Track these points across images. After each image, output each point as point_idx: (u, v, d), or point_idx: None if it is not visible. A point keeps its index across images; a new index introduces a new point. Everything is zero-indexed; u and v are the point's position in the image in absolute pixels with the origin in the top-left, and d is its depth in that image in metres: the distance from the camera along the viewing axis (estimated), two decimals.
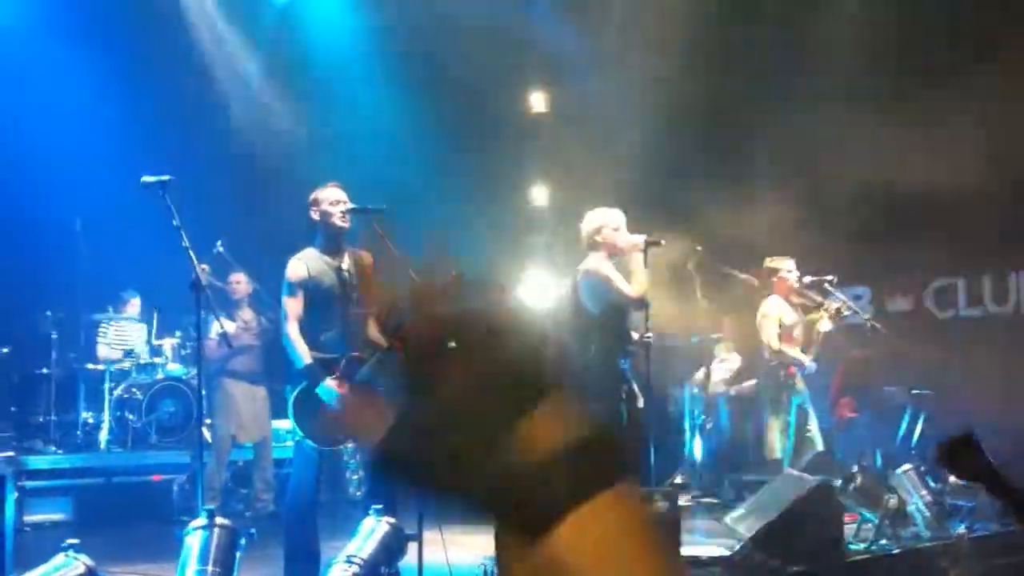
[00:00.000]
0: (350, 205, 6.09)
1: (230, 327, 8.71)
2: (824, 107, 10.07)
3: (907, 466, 7.55)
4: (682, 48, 10.42)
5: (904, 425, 8.90)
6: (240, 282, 9.15)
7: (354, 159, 9.96)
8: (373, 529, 5.35)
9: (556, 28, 11.64)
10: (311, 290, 6.00)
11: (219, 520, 4.92)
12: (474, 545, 5.68)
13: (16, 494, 7.67)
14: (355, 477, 9.25)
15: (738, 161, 10.80)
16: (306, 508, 6.13)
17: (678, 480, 9.35)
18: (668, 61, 10.40)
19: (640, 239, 6.86)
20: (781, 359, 8.35)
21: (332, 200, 6.03)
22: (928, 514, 7.27)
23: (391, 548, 5.30)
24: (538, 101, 11.99)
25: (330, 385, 5.92)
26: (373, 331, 6.38)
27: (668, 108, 10.35)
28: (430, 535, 5.52)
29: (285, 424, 8.71)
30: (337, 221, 6.02)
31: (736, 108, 10.96)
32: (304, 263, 6.04)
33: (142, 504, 8.97)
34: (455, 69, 11.22)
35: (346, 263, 6.11)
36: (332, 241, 6.08)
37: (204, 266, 8.08)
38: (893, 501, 7.13)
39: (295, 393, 6.03)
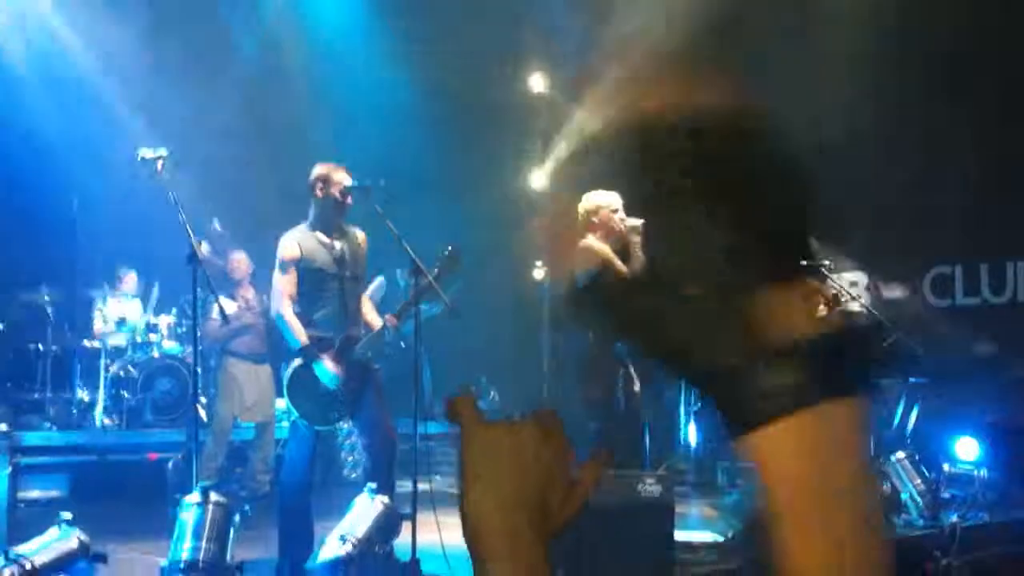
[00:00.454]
0: (350, 183, 6.08)
1: (231, 306, 8.70)
2: (823, 90, 10.04)
3: (901, 454, 7.56)
4: (683, 26, 10.37)
5: (899, 414, 8.90)
6: (241, 261, 9.11)
7: (353, 138, 9.94)
8: (367, 508, 5.35)
9: (557, 8, 11.58)
10: (304, 268, 5.98)
11: (214, 497, 4.93)
12: None
13: (10, 469, 7.69)
14: (350, 458, 9.27)
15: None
16: (301, 487, 6.14)
17: (672, 465, 9.35)
18: (669, 39, 10.35)
19: (639, 222, 6.84)
20: None
21: (341, 182, 6.01)
22: (921, 503, 7.28)
23: (385, 527, 5.31)
24: (538, 82, 11.95)
25: (327, 365, 5.91)
26: (368, 309, 6.38)
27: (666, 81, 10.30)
28: (424, 515, 5.53)
29: (282, 404, 8.74)
30: (344, 199, 6.02)
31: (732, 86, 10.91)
32: (296, 240, 6.02)
33: (137, 482, 8.97)
34: (456, 50, 11.18)
35: (340, 242, 6.09)
36: (331, 220, 6.07)
37: (204, 244, 8.07)
38: (886, 489, 7.15)
39: (291, 371, 6.03)
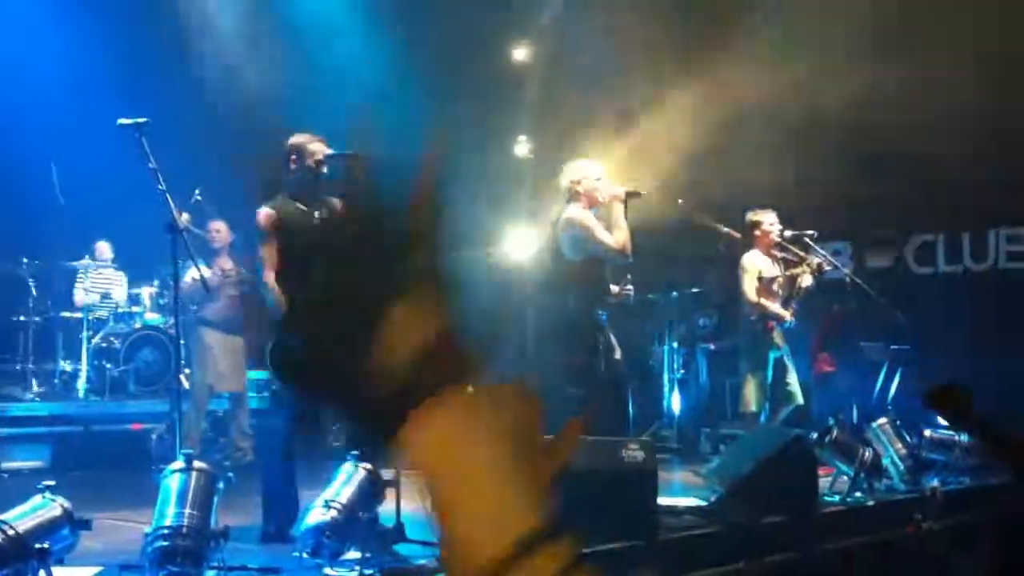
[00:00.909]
0: (328, 151, 6.04)
1: (207, 275, 8.67)
2: (805, 60, 10.03)
3: (882, 420, 7.62)
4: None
5: (881, 380, 8.97)
6: (220, 230, 9.07)
7: (335, 107, 9.87)
8: (351, 475, 5.35)
9: None
10: (285, 236, 5.94)
11: (197, 464, 4.91)
12: None
13: None
14: (335, 426, 9.27)
15: (720, 114, 10.75)
16: (283, 456, 6.14)
17: (656, 433, 9.40)
18: (649, 11, 10.33)
19: (621, 190, 6.84)
20: (760, 312, 8.37)
21: (317, 152, 5.96)
22: (902, 467, 7.35)
23: (369, 493, 5.31)
24: (521, 53, 11.90)
25: None
26: None
27: (651, 60, 10.30)
28: (408, 481, 5.53)
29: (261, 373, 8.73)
30: (320, 169, 5.97)
31: (719, 60, 10.90)
32: (276, 210, 5.99)
33: (120, 452, 8.95)
34: (439, 17, 11.12)
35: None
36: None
37: (184, 214, 8.01)
38: (868, 454, 7.21)
39: (272, 343, 6.00)
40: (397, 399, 0.74)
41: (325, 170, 6.00)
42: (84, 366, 9.69)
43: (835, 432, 7.34)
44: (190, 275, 8.31)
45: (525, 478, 0.77)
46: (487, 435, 0.76)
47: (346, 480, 5.34)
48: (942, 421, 7.93)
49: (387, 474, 5.54)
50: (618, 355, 6.98)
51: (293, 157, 6.00)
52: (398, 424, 0.74)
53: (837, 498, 7.04)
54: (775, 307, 8.37)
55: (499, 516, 0.74)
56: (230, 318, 8.93)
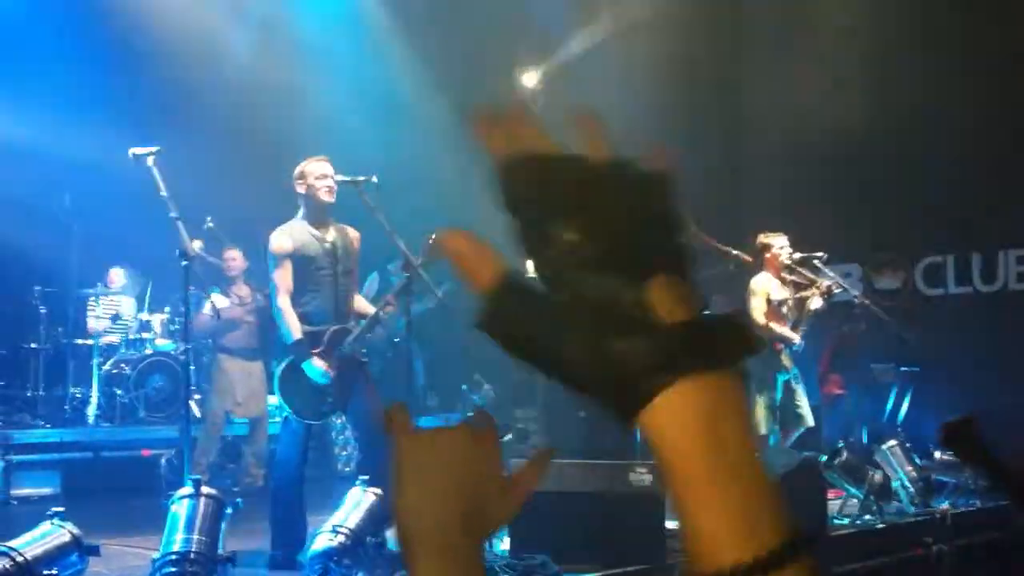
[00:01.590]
0: (338, 178, 6.09)
1: (224, 302, 8.73)
2: (814, 82, 10.08)
3: (892, 442, 7.59)
4: (675, 23, 10.41)
5: (891, 402, 8.94)
6: (235, 258, 9.11)
7: (345, 134, 9.94)
8: (359, 500, 5.37)
9: (550, 5, 11.60)
10: (297, 261, 5.99)
11: (205, 490, 4.93)
12: None
13: (3, 465, 7.70)
14: (343, 452, 9.29)
15: (730, 136, 10.81)
16: (293, 482, 6.16)
17: None
18: (660, 36, 10.39)
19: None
20: (768, 335, 8.36)
21: (318, 174, 6.01)
22: (912, 490, 7.31)
23: (377, 518, 5.32)
24: (530, 79, 11.97)
25: (316, 364, 5.92)
26: (359, 303, 6.39)
27: (661, 84, 10.35)
28: None
29: (274, 400, 8.74)
30: (323, 196, 6.00)
31: (730, 84, 10.96)
32: (288, 235, 6.03)
33: (130, 478, 8.98)
34: (449, 44, 11.20)
35: (332, 235, 6.10)
36: (317, 214, 6.07)
37: (197, 241, 8.07)
38: (878, 477, 7.18)
39: (281, 368, 6.05)
40: (640, 374, 0.68)
41: (333, 199, 6.04)
42: (95, 392, 9.73)
43: (844, 454, 7.32)
44: (207, 307, 8.38)
45: (761, 472, 0.71)
46: (735, 421, 0.70)
47: (354, 505, 5.36)
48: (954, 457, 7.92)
49: None
50: None
51: (300, 181, 6.05)
52: (640, 401, 0.68)
53: (847, 521, 7.01)
54: (784, 329, 8.36)
55: (744, 508, 0.69)
56: (248, 344, 8.96)
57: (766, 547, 0.67)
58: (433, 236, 6.11)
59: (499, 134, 0.76)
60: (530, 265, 0.73)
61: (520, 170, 0.74)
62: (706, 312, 0.70)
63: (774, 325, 8.34)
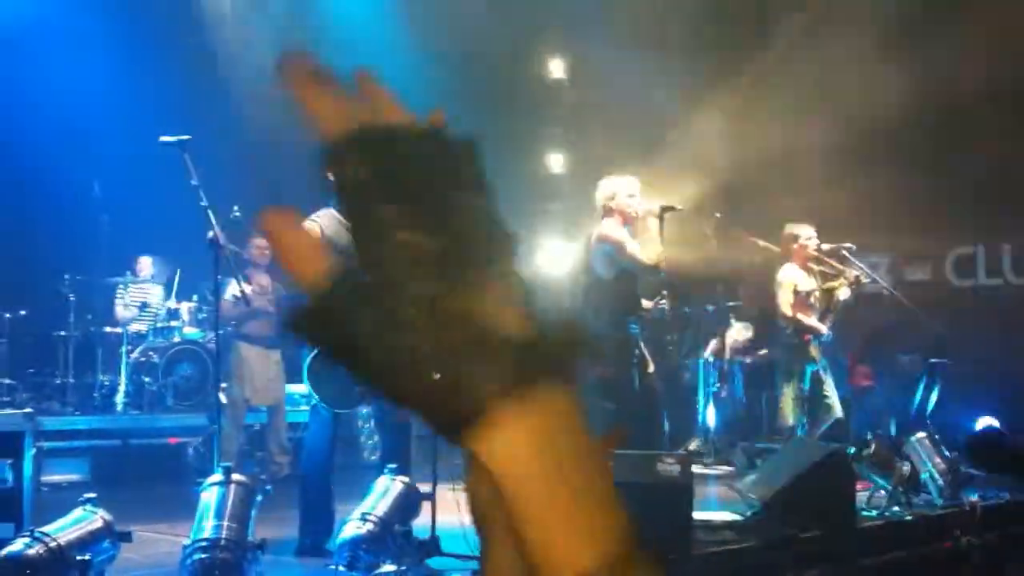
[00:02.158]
0: None
1: (246, 290, 8.76)
2: (849, 70, 10.01)
3: (921, 434, 7.53)
4: (699, 11, 10.36)
5: (920, 394, 8.88)
6: (262, 247, 9.12)
7: None
8: (387, 488, 5.39)
9: None
10: (333, 249, 6.01)
11: (235, 476, 4.96)
12: None
13: (35, 451, 7.75)
14: (370, 441, 9.32)
15: (759, 124, 10.74)
16: (322, 470, 6.19)
17: (692, 447, 9.36)
18: (685, 25, 10.34)
19: (656, 205, 6.84)
20: (795, 326, 8.33)
21: None
22: (941, 482, 7.26)
23: (405, 507, 5.35)
24: (556, 67, 11.93)
25: None
26: None
27: (688, 73, 10.30)
28: (444, 494, 5.56)
29: (299, 388, 8.77)
30: None
31: (758, 71, 10.89)
32: (318, 224, 6.05)
33: (158, 466, 9.05)
34: (473, 33, 11.18)
35: None
36: None
37: (218, 232, 8.08)
38: (906, 468, 7.13)
39: (310, 357, 6.07)
40: (469, 388, 0.64)
41: None
42: (123, 380, 9.80)
43: (873, 446, 7.28)
44: (230, 291, 8.40)
45: (600, 485, 0.68)
46: (570, 437, 0.66)
47: (382, 493, 5.38)
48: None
49: (423, 487, 5.56)
50: (652, 369, 6.97)
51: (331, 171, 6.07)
52: (471, 418, 0.64)
53: (875, 513, 6.97)
54: (811, 320, 8.32)
55: (587, 524, 0.66)
56: (267, 332, 9.00)
57: (609, 557, 0.65)
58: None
59: (326, 94, 0.69)
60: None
61: (353, 146, 0.68)
62: (537, 317, 0.66)
63: (802, 316, 8.31)
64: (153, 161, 6.65)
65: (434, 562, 5.40)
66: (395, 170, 0.67)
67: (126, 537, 4.86)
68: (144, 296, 10.33)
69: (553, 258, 11.57)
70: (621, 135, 10.66)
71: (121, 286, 10.29)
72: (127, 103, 9.84)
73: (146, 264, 10.43)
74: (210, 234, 5.79)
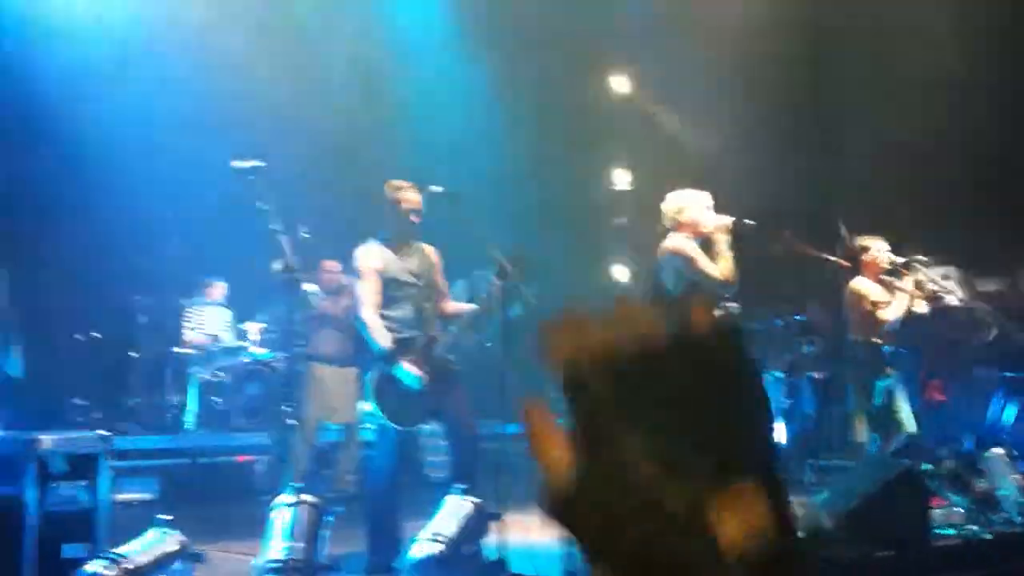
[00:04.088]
0: (432, 188, 6.18)
1: (323, 308, 8.90)
2: (909, 80, 9.85)
3: (998, 450, 7.35)
4: (767, 24, 10.27)
5: (995, 409, 8.68)
6: (332, 270, 9.18)
7: (431, 144, 10.00)
8: (457, 508, 5.37)
9: (640, 6, 11.49)
10: (382, 276, 6.10)
11: (305, 497, 4.98)
12: (555, 526, 5.65)
13: (110, 472, 7.86)
14: (436, 459, 9.31)
15: (828, 140, 10.62)
16: (388, 488, 6.21)
17: None
18: (750, 39, 10.25)
19: (727, 219, 6.76)
20: (866, 340, 8.21)
21: (410, 201, 6.15)
22: (1019, 499, 7.08)
23: (474, 527, 5.33)
24: (620, 83, 11.89)
25: (408, 368, 5.98)
26: (449, 306, 6.44)
27: (754, 86, 10.22)
28: (513, 515, 5.53)
29: (366, 407, 8.79)
30: (412, 218, 6.13)
31: (829, 87, 10.77)
32: (372, 251, 6.15)
33: (227, 484, 9.13)
34: (536, 48, 11.19)
35: (413, 254, 6.21)
36: (402, 236, 6.18)
37: (290, 257, 8.17)
38: (983, 486, 6.97)
39: (374, 376, 6.11)
40: None
41: (416, 219, 6.18)
42: (192, 400, 9.92)
43: (948, 462, 7.13)
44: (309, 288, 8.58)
45: None
46: None
47: (451, 513, 5.37)
48: None
49: (492, 508, 5.54)
50: None
51: (389, 204, 6.17)
52: None
53: (951, 531, 6.82)
54: (878, 331, 8.19)
55: None
56: (342, 350, 9.03)
57: None
58: (517, 250, 6.16)
59: (564, 338, 0.70)
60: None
61: (582, 363, 0.68)
62: (769, 542, 0.63)
63: (868, 329, 8.16)
64: (225, 184, 6.74)
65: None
66: (639, 388, 0.66)
67: (198, 558, 4.91)
68: (213, 320, 10.44)
69: (620, 275, 11.54)
70: (685, 150, 10.61)
71: (188, 308, 10.42)
72: (197, 124, 9.97)
73: (219, 289, 10.54)
74: (283, 259, 5.86)
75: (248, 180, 5.85)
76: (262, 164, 5.88)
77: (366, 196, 7.05)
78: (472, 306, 6.40)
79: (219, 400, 9.80)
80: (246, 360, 9.99)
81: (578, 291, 11.47)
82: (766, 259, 9.18)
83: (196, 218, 10.17)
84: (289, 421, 7.40)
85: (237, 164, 5.90)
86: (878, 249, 8.34)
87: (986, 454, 7.40)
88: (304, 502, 4.93)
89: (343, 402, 9.00)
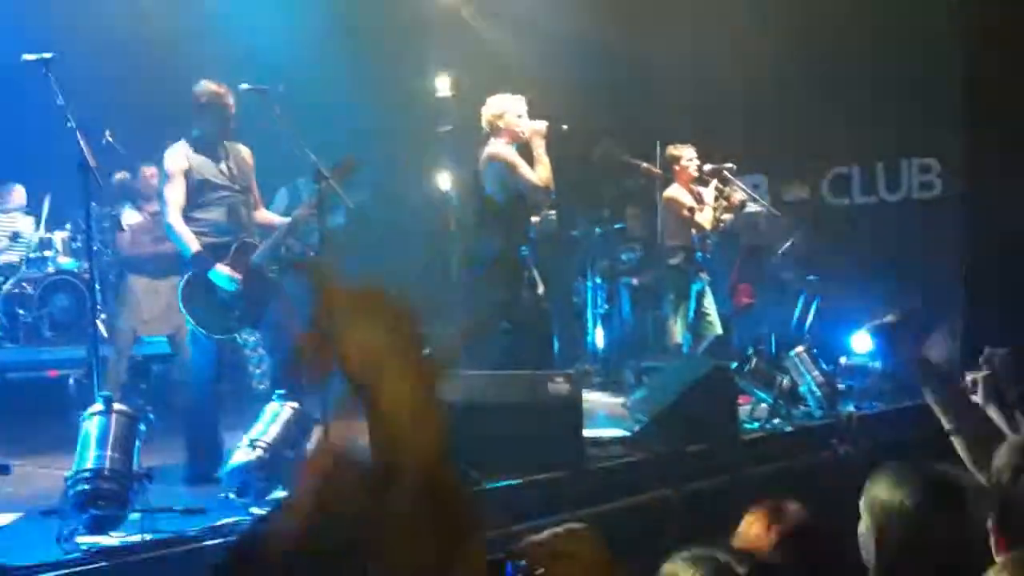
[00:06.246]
0: (244, 86, 5.99)
1: (137, 218, 8.52)
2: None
3: (799, 348, 7.77)
4: None
5: (798, 310, 9.14)
6: (154, 175, 8.78)
7: (248, 40, 9.65)
8: (276, 413, 5.32)
9: None
10: (192, 179, 5.90)
11: (117, 406, 4.84)
12: None
13: None
14: (258, 370, 9.18)
15: (636, 50, 10.77)
16: (206, 398, 6.10)
17: (580, 366, 9.48)
18: None
19: (543, 124, 6.81)
20: (682, 244, 8.50)
21: (225, 99, 5.95)
22: (819, 394, 7.51)
23: (295, 431, 5.29)
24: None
25: (222, 270, 5.84)
26: (261, 215, 6.29)
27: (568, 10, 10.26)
28: (335, 420, 5.52)
29: None
30: (226, 118, 6.01)
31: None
32: (183, 153, 5.94)
33: (38, 400, 8.75)
34: None
35: (228, 156, 6.03)
36: (215, 135, 5.98)
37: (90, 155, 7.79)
38: (786, 382, 7.36)
39: (184, 281, 5.94)
40: None
41: (230, 120, 6.01)
42: None
43: (754, 361, 7.49)
44: (126, 221, 8.22)
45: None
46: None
47: (271, 419, 5.31)
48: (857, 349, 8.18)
49: (313, 413, 5.51)
50: (541, 290, 7.01)
51: (205, 105, 5.94)
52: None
53: (757, 425, 7.19)
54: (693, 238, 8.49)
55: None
56: (157, 262, 8.67)
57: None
58: (345, 157, 6.06)
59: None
60: None
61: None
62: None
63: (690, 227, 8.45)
64: (16, 82, 6.35)
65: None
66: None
67: (5, 470, 4.73)
68: (14, 226, 9.90)
69: (441, 181, 11.51)
70: (511, 59, 10.59)
71: None
72: None
73: (18, 193, 9.98)
74: (80, 158, 5.55)
75: (41, 75, 5.53)
76: (54, 56, 5.56)
77: (175, 103, 6.75)
78: (285, 219, 6.25)
79: (25, 313, 9.34)
80: (52, 271, 9.54)
81: (403, 202, 11.42)
82: (584, 165, 9.34)
83: None
84: (101, 332, 7.14)
85: (28, 56, 5.58)
86: (689, 158, 8.60)
87: (790, 353, 7.80)
88: (116, 411, 4.78)
89: (157, 314, 8.69)
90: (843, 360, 8.24)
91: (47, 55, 5.56)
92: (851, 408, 7.45)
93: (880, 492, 2.51)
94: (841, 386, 7.88)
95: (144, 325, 8.51)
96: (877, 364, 7.95)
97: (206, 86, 5.99)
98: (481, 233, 7.06)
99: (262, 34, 9.85)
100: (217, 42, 9.62)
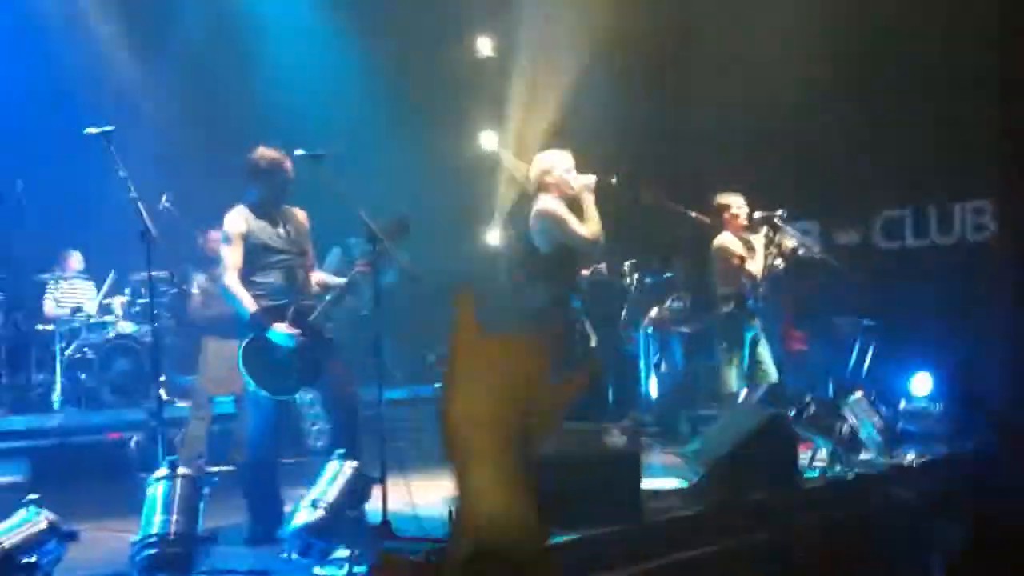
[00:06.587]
0: (297, 152, 6.10)
1: (206, 282, 8.69)
2: (766, 36, 10.10)
3: (858, 394, 7.69)
4: None
5: (854, 355, 9.06)
6: (215, 240, 8.96)
7: (297, 106, 9.86)
8: (337, 473, 5.36)
9: None
10: (250, 242, 5.99)
11: (181, 470, 4.91)
12: (438, 488, 5.72)
13: None
14: (315, 427, 9.25)
15: (682, 97, 10.83)
16: (267, 458, 6.15)
17: (636, 417, 9.45)
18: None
19: (591, 179, 6.86)
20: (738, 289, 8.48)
21: (284, 165, 6.07)
22: (880, 440, 7.43)
23: (355, 491, 5.32)
24: (484, 45, 11.90)
25: (280, 328, 5.90)
26: (316, 277, 6.38)
27: (613, 47, 10.35)
28: (394, 479, 5.56)
29: None
30: (284, 184, 6.12)
31: (681, 45, 10.96)
32: (242, 215, 6.04)
33: (99, 462, 8.87)
34: (400, 10, 11.12)
35: (282, 221, 6.13)
36: (273, 199, 6.09)
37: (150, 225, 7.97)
38: (845, 428, 7.29)
39: (244, 343, 6.01)
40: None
41: (288, 185, 6.13)
42: (58, 378, 9.61)
43: (811, 408, 7.43)
44: (196, 285, 8.38)
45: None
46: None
47: (332, 478, 5.35)
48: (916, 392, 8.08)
49: (373, 472, 5.55)
50: (594, 342, 7.01)
51: (264, 170, 6.05)
52: None
53: (817, 473, 7.12)
54: (748, 279, 8.45)
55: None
56: (227, 323, 8.78)
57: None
58: (398, 216, 6.15)
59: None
60: None
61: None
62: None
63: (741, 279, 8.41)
64: (80, 153, 6.52)
65: (387, 546, 5.41)
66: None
67: (72, 536, 4.79)
68: (74, 292, 10.12)
69: (489, 236, 11.61)
70: (556, 114, 10.71)
71: (51, 282, 10.08)
72: (50, 95, 9.61)
73: (75, 259, 10.21)
74: (142, 228, 5.69)
75: (104, 147, 5.68)
76: (113, 129, 5.71)
77: (229, 167, 6.90)
78: (341, 280, 6.33)
79: (86, 377, 9.51)
80: (112, 335, 9.72)
81: (452, 256, 11.52)
82: (632, 213, 9.37)
83: (51, 189, 9.83)
84: (163, 396, 7.24)
85: (90, 130, 5.73)
86: (738, 206, 8.59)
87: (848, 398, 7.73)
88: (180, 475, 4.86)
89: (226, 374, 8.79)
90: (902, 404, 8.15)
91: (109, 128, 5.70)
92: (912, 453, 7.36)
93: None
94: (901, 431, 7.79)
95: (213, 385, 8.61)
96: (938, 406, 7.86)
97: (264, 152, 6.10)
98: (531, 286, 7.10)
99: (316, 101, 10.05)
100: (270, 109, 9.82)
